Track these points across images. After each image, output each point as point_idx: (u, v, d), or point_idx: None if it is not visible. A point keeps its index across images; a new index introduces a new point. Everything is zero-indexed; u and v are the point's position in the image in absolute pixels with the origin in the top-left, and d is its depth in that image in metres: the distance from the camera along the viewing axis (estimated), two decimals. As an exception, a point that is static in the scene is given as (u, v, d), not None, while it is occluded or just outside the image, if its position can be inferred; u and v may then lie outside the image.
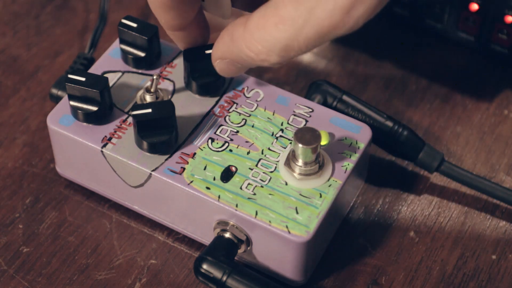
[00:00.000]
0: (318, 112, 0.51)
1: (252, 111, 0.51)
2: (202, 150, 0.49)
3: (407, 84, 0.59)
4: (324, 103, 0.53)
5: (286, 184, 0.48)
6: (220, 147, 0.49)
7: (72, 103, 0.50)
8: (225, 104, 0.51)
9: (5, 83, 0.59)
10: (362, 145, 0.50)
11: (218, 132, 0.50)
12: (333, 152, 0.49)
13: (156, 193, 0.49)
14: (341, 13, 0.41)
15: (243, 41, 0.44)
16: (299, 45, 0.43)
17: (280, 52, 0.43)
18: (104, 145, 0.49)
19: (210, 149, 0.49)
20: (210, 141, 0.50)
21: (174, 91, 0.52)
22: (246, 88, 0.52)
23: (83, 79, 0.49)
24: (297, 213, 0.47)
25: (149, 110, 0.48)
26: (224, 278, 0.46)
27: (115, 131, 0.50)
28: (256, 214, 0.47)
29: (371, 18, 0.42)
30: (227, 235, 0.48)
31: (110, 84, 0.52)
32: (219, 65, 0.48)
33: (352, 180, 0.50)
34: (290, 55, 0.44)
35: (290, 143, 0.50)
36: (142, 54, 0.52)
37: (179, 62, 0.53)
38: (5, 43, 0.61)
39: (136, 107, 0.48)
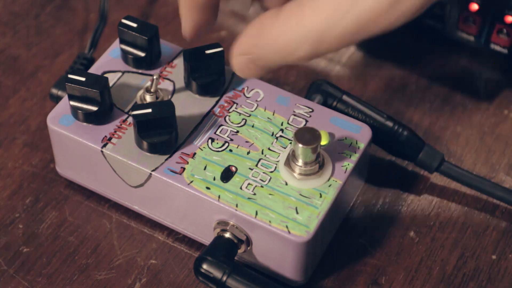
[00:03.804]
0: (318, 112, 0.51)
1: (252, 111, 0.51)
2: (202, 150, 0.49)
3: (407, 84, 0.59)
4: (324, 103, 0.53)
5: (286, 184, 0.48)
6: (220, 147, 0.49)
7: (72, 103, 0.50)
8: (225, 104, 0.51)
9: (5, 83, 0.59)
10: (362, 145, 0.50)
11: (218, 132, 0.50)
12: (333, 152, 0.49)
13: (156, 193, 0.49)
14: (387, 4, 0.40)
15: (273, 32, 0.41)
16: (332, 38, 0.41)
17: (312, 44, 0.41)
18: (104, 145, 0.49)
19: (210, 149, 0.49)
20: (210, 141, 0.50)
21: (174, 91, 0.52)
22: (246, 88, 0.52)
23: (83, 79, 0.49)
24: (297, 213, 0.47)
25: (149, 110, 0.48)
26: (224, 278, 0.46)
27: (115, 131, 0.50)
28: (256, 214, 0.47)
29: (412, 17, 0.40)
30: (227, 235, 0.48)
31: (110, 84, 0.52)
32: (239, 62, 0.44)
33: (352, 180, 0.50)
34: (320, 49, 0.42)
35: (290, 143, 0.50)
36: (142, 54, 0.52)
37: (179, 62, 0.53)
38: (5, 43, 0.61)
39: (136, 107, 0.48)
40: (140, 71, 0.53)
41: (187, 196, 0.48)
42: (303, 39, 0.41)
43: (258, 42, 0.43)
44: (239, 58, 0.44)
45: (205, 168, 0.48)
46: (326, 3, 0.41)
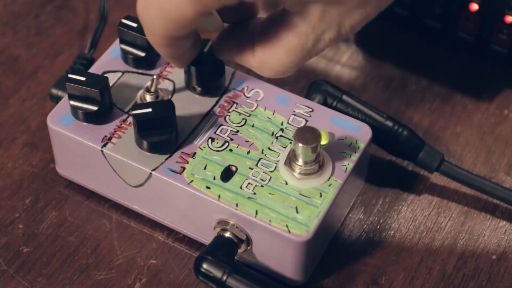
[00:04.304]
0: (318, 112, 0.51)
1: (252, 111, 0.51)
2: (202, 149, 0.49)
3: (407, 84, 0.59)
4: (324, 103, 0.53)
5: (286, 183, 0.48)
6: (220, 147, 0.49)
7: (72, 102, 0.50)
8: (225, 104, 0.51)
9: (5, 83, 0.59)
10: (362, 145, 0.50)
11: (218, 132, 0.50)
12: (333, 151, 0.49)
13: (156, 193, 0.49)
14: (346, 31, 0.42)
15: (255, 68, 0.45)
16: (312, 55, 0.44)
17: (297, 67, 0.44)
18: (104, 145, 0.49)
19: (210, 148, 0.49)
20: (210, 140, 0.50)
21: (174, 91, 0.52)
22: (246, 88, 0.52)
23: (83, 78, 0.49)
24: (297, 212, 0.47)
25: (149, 110, 0.48)
26: (224, 278, 0.46)
27: (115, 131, 0.50)
28: (256, 213, 0.47)
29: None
30: (227, 234, 0.48)
31: (110, 84, 0.52)
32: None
33: (352, 179, 0.50)
34: (304, 63, 0.44)
35: (290, 142, 0.50)
36: (142, 54, 0.52)
37: (179, 62, 0.53)
38: (5, 43, 0.61)
39: (136, 106, 0.48)
40: (140, 71, 0.53)
41: (187, 195, 0.48)
42: (286, 71, 0.44)
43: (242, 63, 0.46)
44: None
45: (205, 168, 0.48)
46: (293, 45, 0.43)
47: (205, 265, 0.46)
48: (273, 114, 0.51)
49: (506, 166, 0.55)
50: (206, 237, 0.49)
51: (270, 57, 0.44)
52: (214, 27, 0.47)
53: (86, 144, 0.49)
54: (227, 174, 0.48)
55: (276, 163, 0.49)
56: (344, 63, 0.61)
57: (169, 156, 0.49)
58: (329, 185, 0.48)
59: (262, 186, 0.48)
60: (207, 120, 0.51)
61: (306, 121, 0.51)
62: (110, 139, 0.49)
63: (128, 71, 0.53)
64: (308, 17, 0.42)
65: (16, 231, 0.52)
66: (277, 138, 0.50)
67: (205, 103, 0.51)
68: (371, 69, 0.60)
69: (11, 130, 0.56)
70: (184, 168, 0.48)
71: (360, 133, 0.50)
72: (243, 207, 0.47)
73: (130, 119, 0.50)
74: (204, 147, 0.49)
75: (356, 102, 0.53)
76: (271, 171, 0.48)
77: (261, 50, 0.44)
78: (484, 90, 0.59)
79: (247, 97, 0.52)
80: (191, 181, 0.48)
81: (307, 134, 0.47)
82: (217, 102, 0.51)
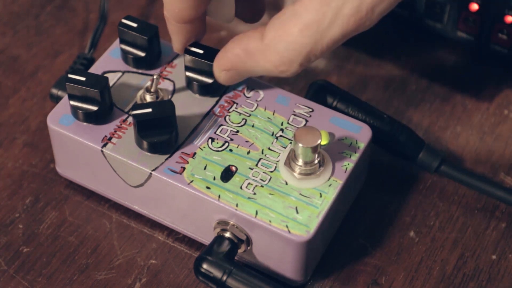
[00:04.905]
0: (318, 112, 0.51)
1: (252, 111, 0.51)
2: (202, 149, 0.49)
3: (407, 84, 0.59)
4: (324, 103, 0.53)
5: (286, 183, 0.48)
6: (220, 147, 0.49)
7: (72, 102, 0.50)
8: (225, 104, 0.51)
9: (5, 83, 0.59)
10: (362, 145, 0.50)
11: (218, 132, 0.50)
12: (333, 152, 0.49)
13: (156, 193, 0.49)
14: (367, 9, 0.42)
15: (261, 54, 0.44)
16: (322, 49, 0.43)
17: (303, 59, 0.44)
18: (104, 145, 0.49)
19: (210, 148, 0.49)
20: (210, 140, 0.50)
21: (174, 91, 0.52)
22: (246, 88, 0.52)
23: (83, 78, 0.49)
24: (297, 212, 0.47)
25: (149, 110, 0.48)
26: (224, 278, 0.46)
27: (115, 131, 0.50)
28: (256, 213, 0.47)
29: (385, 14, 0.42)
30: (227, 234, 0.48)
31: (110, 84, 0.52)
32: (224, 76, 0.49)
33: (352, 179, 0.50)
34: (310, 61, 0.44)
35: (290, 142, 0.50)
36: (142, 54, 0.52)
37: (179, 62, 0.53)
38: (5, 43, 0.61)
39: (136, 106, 0.48)
40: (140, 71, 0.53)
41: (187, 195, 0.48)
42: (293, 59, 0.44)
43: (246, 62, 0.46)
44: (224, 74, 0.48)
45: (205, 168, 0.48)
46: (310, 19, 0.42)
47: (205, 265, 0.46)
48: (273, 114, 0.51)
49: (506, 166, 0.55)
50: (206, 237, 0.49)
51: (281, 36, 0.43)
52: (224, 18, 0.47)
53: (86, 144, 0.49)
54: (227, 174, 0.48)
55: (276, 163, 0.49)
56: (344, 63, 0.60)
57: (169, 156, 0.49)
58: (329, 185, 0.48)
59: (262, 186, 0.48)
60: (207, 120, 0.51)
61: (306, 121, 0.51)
62: (110, 139, 0.49)
63: (128, 71, 0.53)
64: None
65: (16, 231, 0.52)
66: (277, 138, 0.50)
67: (205, 103, 0.51)
68: (371, 69, 0.60)
69: (11, 130, 0.56)
70: (184, 168, 0.48)
71: (360, 133, 0.50)
72: (243, 207, 0.47)
73: (130, 119, 0.50)
74: (204, 147, 0.49)
75: (356, 102, 0.53)
76: (271, 171, 0.48)
77: (273, 29, 0.44)
78: (484, 90, 0.59)
79: (247, 97, 0.52)
80: (191, 181, 0.48)
81: (307, 134, 0.47)
82: (217, 102, 0.51)
